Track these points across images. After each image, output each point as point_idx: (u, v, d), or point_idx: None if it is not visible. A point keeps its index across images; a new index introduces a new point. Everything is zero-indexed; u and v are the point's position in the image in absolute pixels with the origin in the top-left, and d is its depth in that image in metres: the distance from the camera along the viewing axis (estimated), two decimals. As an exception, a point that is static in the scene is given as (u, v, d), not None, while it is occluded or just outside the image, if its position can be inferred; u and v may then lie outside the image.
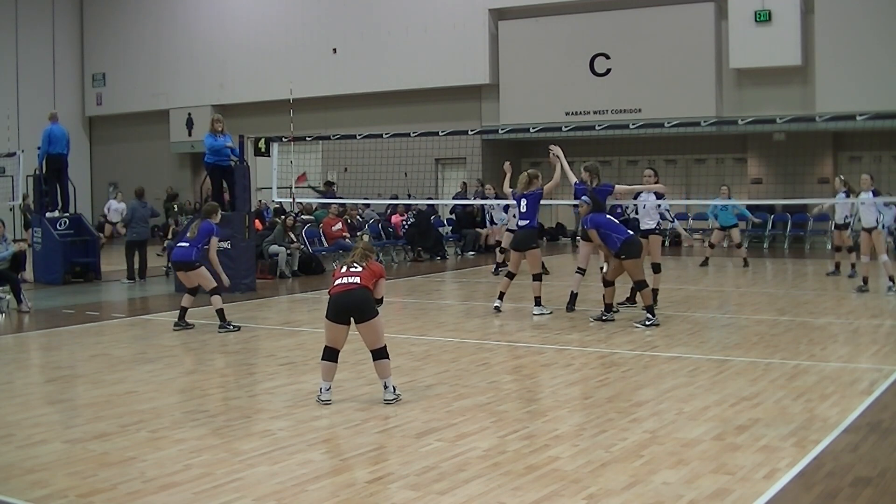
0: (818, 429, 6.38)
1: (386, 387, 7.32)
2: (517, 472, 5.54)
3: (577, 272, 12.19)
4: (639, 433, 6.34)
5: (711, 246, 18.52)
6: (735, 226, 18.27)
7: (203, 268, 11.20)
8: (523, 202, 11.94)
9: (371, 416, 6.94)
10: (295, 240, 17.98)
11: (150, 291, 15.81)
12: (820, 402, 7.16)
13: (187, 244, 11.26)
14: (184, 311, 11.25)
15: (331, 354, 7.30)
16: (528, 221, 11.91)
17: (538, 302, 11.93)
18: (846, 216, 15.42)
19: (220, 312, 11.07)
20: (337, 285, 7.26)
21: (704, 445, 6.04)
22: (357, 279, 7.24)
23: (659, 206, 12.56)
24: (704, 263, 18.08)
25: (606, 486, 5.27)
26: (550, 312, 11.91)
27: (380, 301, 7.42)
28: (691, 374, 8.31)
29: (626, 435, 6.30)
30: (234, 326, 11.10)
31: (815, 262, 19.47)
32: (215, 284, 11.19)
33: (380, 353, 7.29)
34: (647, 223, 12.37)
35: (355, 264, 7.35)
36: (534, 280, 12.00)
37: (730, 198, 18.06)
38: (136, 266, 17.19)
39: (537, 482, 5.35)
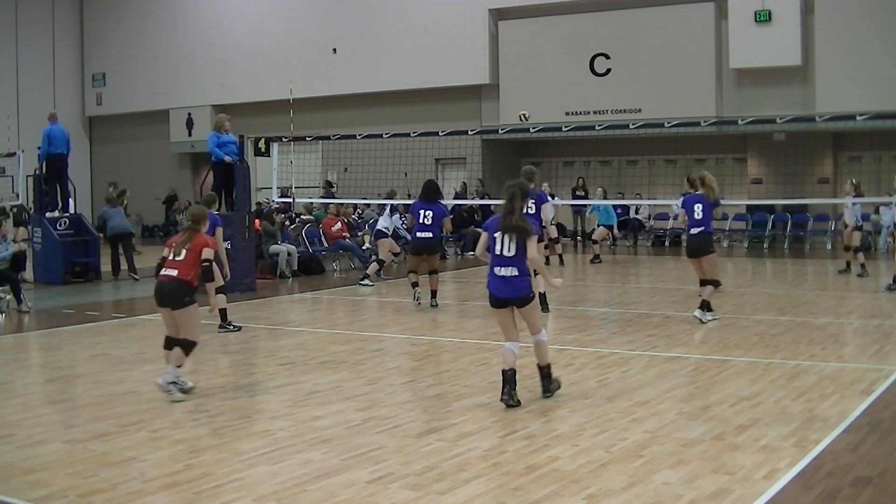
0: (818, 429, 6.39)
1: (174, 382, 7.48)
2: (517, 472, 5.54)
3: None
4: (639, 433, 6.34)
5: (595, 242, 20.16)
6: (611, 226, 20.85)
7: (212, 264, 11.09)
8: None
9: (371, 416, 6.93)
10: (280, 222, 18.08)
11: (150, 291, 15.73)
12: (820, 402, 7.16)
13: None
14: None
15: (167, 342, 7.69)
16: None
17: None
18: (857, 220, 15.78)
19: (223, 312, 11.06)
20: (161, 274, 7.75)
21: (704, 445, 6.04)
22: (175, 271, 7.62)
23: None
24: (595, 259, 19.49)
25: (606, 486, 5.27)
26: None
27: (208, 264, 7.72)
28: (691, 374, 8.31)
29: (626, 435, 6.30)
30: (234, 326, 11.09)
31: (815, 262, 19.46)
32: (222, 283, 11.10)
33: (184, 345, 7.56)
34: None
35: (181, 252, 7.66)
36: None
37: (605, 198, 20.95)
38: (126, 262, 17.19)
39: (537, 482, 5.35)
